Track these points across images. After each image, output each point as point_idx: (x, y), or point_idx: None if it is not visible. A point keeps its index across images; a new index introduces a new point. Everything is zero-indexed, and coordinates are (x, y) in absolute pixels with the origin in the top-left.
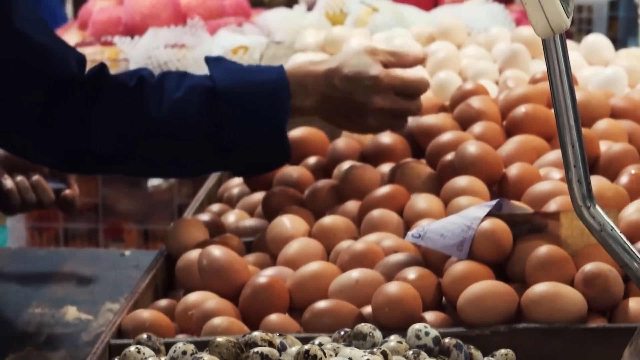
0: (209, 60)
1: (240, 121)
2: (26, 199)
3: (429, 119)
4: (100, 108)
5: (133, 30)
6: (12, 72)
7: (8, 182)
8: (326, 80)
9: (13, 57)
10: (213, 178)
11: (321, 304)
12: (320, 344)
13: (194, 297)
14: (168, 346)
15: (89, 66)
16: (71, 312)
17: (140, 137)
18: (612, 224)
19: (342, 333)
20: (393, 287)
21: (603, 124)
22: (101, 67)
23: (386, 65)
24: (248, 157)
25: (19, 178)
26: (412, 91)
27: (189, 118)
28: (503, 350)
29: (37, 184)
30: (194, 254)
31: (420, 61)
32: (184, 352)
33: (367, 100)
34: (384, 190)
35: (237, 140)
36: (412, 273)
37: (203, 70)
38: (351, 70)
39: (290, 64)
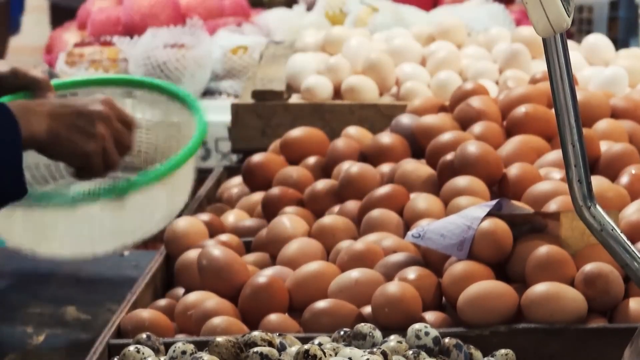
0: None
1: None
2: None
3: (429, 119)
4: None
5: (132, 30)
6: None
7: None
8: (54, 102)
9: None
10: (212, 178)
11: (321, 304)
12: (320, 344)
13: (193, 297)
14: (167, 346)
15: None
16: (70, 312)
17: None
18: (613, 224)
19: (342, 333)
20: (393, 287)
21: (603, 124)
22: None
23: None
24: None
25: None
26: (129, 123)
27: None
28: (503, 350)
29: None
30: (193, 254)
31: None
32: (184, 352)
33: (95, 108)
34: (384, 190)
35: None
36: (412, 273)
37: (202, 70)
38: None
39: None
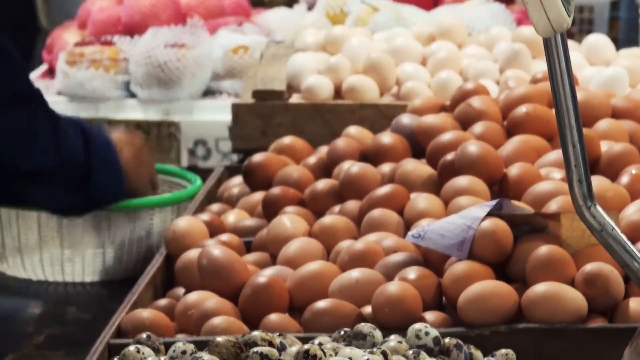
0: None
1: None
2: None
3: (430, 119)
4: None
5: (133, 29)
6: None
7: None
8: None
9: None
10: (213, 178)
11: (321, 304)
12: (320, 344)
13: (193, 296)
14: (167, 346)
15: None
16: (70, 312)
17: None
18: (613, 224)
19: (342, 333)
20: (393, 287)
21: (604, 124)
22: None
23: None
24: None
25: None
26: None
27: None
28: (503, 350)
29: None
30: (193, 254)
31: None
32: (184, 352)
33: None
34: (384, 190)
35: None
36: (412, 273)
37: (203, 69)
38: None
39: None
